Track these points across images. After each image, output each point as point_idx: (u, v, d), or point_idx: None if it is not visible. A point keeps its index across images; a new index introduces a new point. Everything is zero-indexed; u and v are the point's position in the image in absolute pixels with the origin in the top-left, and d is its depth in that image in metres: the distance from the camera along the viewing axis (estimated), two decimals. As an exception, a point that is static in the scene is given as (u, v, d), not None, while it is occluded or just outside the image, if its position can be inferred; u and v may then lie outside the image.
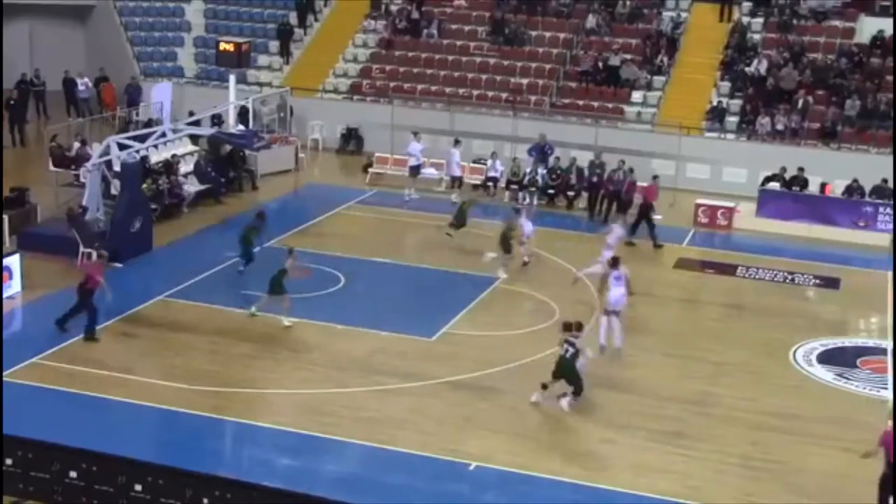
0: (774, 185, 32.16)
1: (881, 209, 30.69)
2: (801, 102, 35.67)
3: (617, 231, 25.63)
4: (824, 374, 21.17)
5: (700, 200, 31.70)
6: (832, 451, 17.84)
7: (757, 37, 38.70)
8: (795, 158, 32.62)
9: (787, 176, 32.18)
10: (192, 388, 18.98)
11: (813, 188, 32.30)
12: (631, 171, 31.28)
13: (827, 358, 21.90)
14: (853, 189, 31.76)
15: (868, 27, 37.85)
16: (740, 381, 20.51)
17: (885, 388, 20.46)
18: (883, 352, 22.30)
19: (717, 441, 18.06)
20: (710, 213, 31.33)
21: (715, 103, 36.35)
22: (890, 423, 15.87)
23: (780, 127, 35.16)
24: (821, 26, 38.55)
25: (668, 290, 25.56)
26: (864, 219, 30.71)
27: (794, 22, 38.70)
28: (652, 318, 23.46)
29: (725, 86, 37.18)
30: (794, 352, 22.06)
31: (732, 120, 36.15)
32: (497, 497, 16.25)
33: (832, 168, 32.78)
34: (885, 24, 37.37)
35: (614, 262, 21.68)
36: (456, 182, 32.93)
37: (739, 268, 27.41)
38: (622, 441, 17.91)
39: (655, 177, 30.52)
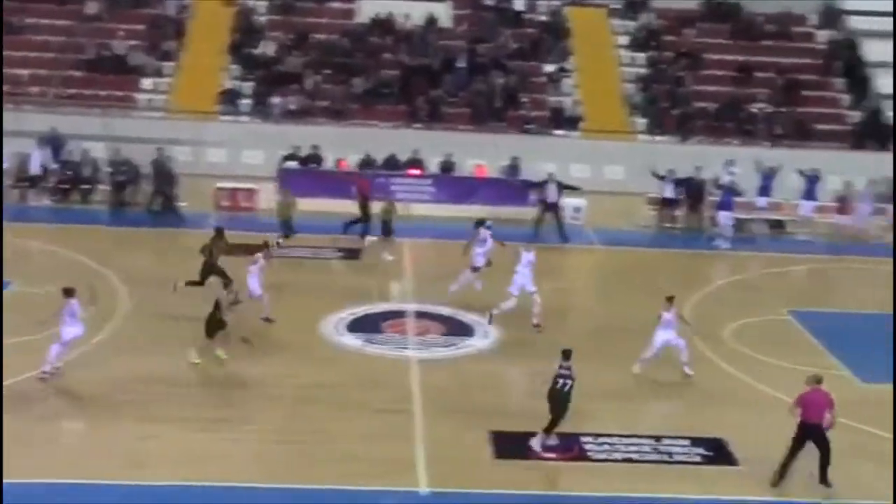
0: (292, 164, 32.84)
1: (392, 180, 32.29)
2: (310, 83, 36.67)
3: (483, 233, 24.67)
4: (353, 341, 21.94)
5: (220, 184, 31.70)
6: (367, 414, 18.52)
7: (262, 19, 39.24)
8: (310, 137, 33.53)
9: (303, 154, 33.01)
10: None
11: (329, 164, 33.39)
12: (169, 158, 30.79)
13: (355, 326, 22.71)
14: (367, 163, 33.20)
15: (367, 8, 39.61)
16: (277, 359, 20.71)
17: (407, 349, 21.55)
18: (403, 314, 23.47)
19: (259, 421, 18.14)
20: (231, 197, 31.44)
21: (227, 87, 36.44)
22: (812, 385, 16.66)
23: (292, 107, 35.93)
24: (322, 8, 39.81)
25: (193, 278, 25.22)
26: (378, 190, 32.07)
27: (297, 4, 39.69)
28: (178, 306, 23.01)
29: (236, 69, 37.39)
30: (324, 323, 22.68)
31: (246, 103, 36.45)
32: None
33: (345, 144, 34.02)
34: (382, 7, 39.30)
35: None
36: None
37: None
38: (166, 434, 17.41)
39: (363, 169, 30.94)
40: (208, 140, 34.24)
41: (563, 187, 30.61)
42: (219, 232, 23.62)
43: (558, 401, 17.27)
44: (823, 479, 16.64)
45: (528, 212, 31.33)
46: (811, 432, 16.55)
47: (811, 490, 16.61)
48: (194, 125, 34.04)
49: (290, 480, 16.23)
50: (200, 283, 22.76)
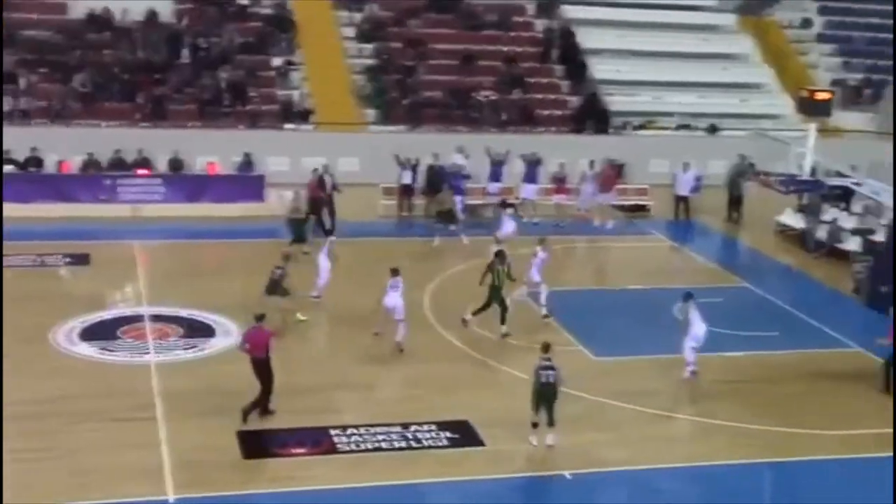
0: (9, 168, 31.13)
1: (119, 181, 31.16)
2: (24, 82, 34.86)
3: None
4: (87, 350, 21.00)
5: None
6: (104, 424, 17.77)
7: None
8: (28, 139, 31.88)
9: (23, 157, 31.37)
10: None
11: (50, 167, 31.87)
12: None
13: (88, 334, 21.74)
14: (90, 164, 31.90)
15: (81, 4, 37.96)
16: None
17: (148, 354, 20.82)
18: (140, 319, 22.66)
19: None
20: (-56, 205, 29.51)
21: (-68, 89, 34.12)
22: None
23: (6, 108, 34.04)
24: (31, 3, 37.86)
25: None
26: (105, 192, 30.94)
27: (4, -1, 37.68)
28: None
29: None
30: (54, 333, 21.59)
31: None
32: None
33: (66, 145, 32.53)
34: (97, 2, 37.76)
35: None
36: None
37: (-14, 257, 26.23)
38: None
39: (315, 170, 29.80)
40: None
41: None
42: (500, 254, 23.00)
43: (548, 394, 17.37)
44: None
45: (263, 207, 31.07)
46: None
47: (554, 463, 17.21)
48: None
49: (19, 500, 15.29)
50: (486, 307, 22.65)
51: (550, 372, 17.43)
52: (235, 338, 21.83)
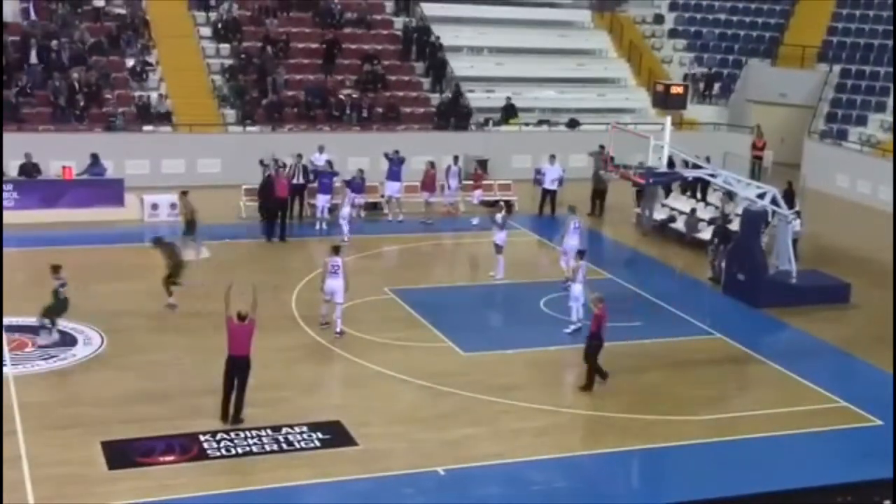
0: None
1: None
2: None
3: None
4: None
5: None
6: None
7: None
8: None
9: None
10: None
11: None
12: None
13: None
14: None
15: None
16: None
17: (2, 366, 20.05)
18: None
19: None
20: None
21: None
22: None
23: None
24: None
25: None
26: (-47, 200, 29.70)
27: None
28: None
29: None
30: None
31: None
32: None
33: None
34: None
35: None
36: None
37: None
38: None
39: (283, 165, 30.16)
40: None
41: None
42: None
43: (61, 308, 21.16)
44: None
45: (122, 212, 30.36)
46: None
47: (428, 460, 17.22)
48: None
49: None
50: None
51: (66, 286, 20.97)
52: (97, 346, 21.28)
